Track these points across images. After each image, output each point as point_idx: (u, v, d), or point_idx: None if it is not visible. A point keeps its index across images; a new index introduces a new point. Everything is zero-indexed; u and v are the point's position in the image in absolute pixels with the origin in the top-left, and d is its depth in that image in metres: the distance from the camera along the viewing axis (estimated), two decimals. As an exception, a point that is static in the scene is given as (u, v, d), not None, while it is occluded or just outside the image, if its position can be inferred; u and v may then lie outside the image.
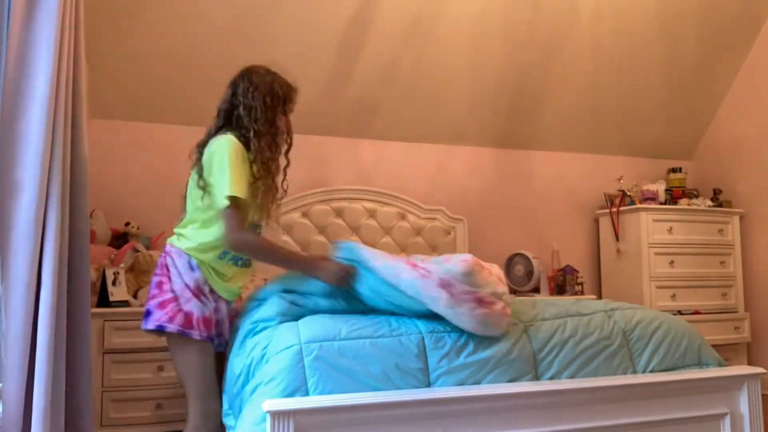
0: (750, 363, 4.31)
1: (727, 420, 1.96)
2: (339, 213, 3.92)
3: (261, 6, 3.46)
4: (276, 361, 1.74)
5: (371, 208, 3.99)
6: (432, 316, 1.91)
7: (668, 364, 2.05)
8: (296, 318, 2.00)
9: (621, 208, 4.36)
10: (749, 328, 4.35)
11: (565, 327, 2.01)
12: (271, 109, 2.10)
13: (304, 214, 3.84)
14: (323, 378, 1.70)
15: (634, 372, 2.00)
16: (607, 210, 4.45)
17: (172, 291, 2.02)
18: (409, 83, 3.99)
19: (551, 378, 1.90)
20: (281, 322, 1.97)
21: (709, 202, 4.46)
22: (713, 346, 2.26)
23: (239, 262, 2.13)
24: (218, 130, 2.12)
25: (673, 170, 4.61)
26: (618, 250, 4.37)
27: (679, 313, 4.03)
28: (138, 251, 3.38)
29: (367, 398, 1.65)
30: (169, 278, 2.04)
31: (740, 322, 4.33)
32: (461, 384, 1.80)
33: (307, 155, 4.03)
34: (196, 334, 2.03)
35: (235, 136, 2.05)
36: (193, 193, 2.08)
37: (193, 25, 3.44)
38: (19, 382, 1.87)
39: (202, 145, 2.11)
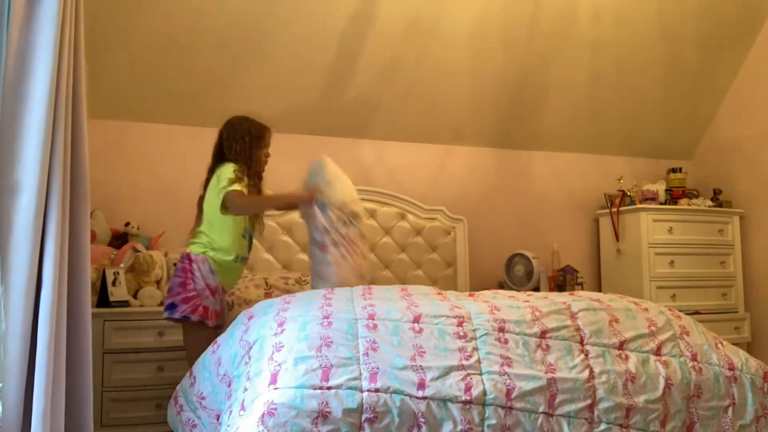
0: (750, 363, 4.31)
1: None
2: (339, 213, 3.92)
3: (261, 6, 3.46)
4: None
5: (371, 208, 3.99)
6: None
7: None
8: None
9: (621, 208, 4.36)
10: (749, 328, 4.35)
11: None
12: (249, 147, 2.78)
13: (304, 214, 3.84)
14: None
15: None
16: (607, 210, 4.45)
17: (195, 290, 2.63)
18: (409, 83, 3.99)
19: None
20: None
21: (709, 202, 4.46)
22: (713, 346, 2.27)
23: (241, 261, 2.79)
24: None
25: (673, 170, 4.61)
26: (618, 250, 4.37)
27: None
28: (138, 251, 3.38)
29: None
30: (193, 280, 2.63)
31: (740, 322, 4.33)
32: None
33: (307, 155, 4.01)
34: (210, 323, 2.67)
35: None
36: (211, 204, 2.69)
37: (193, 26, 3.44)
38: (19, 382, 1.87)
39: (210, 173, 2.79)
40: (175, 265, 2.78)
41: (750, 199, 4.48)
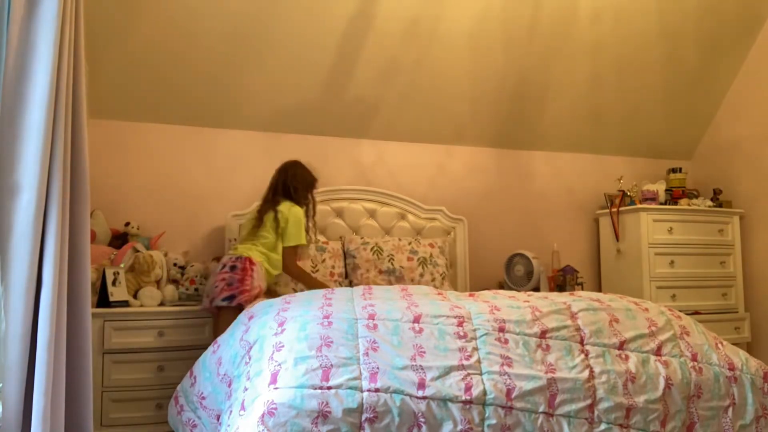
0: (750, 363, 4.30)
1: None
2: (339, 213, 3.92)
3: (260, 6, 3.46)
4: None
5: (371, 208, 3.99)
6: None
7: None
8: None
9: (621, 208, 4.36)
10: (749, 328, 4.35)
11: None
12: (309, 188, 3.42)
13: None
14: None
15: None
16: (607, 210, 4.45)
17: (252, 286, 3.05)
18: (409, 83, 3.99)
19: None
20: None
21: (709, 202, 4.46)
22: (713, 346, 2.27)
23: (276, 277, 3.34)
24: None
25: (673, 170, 4.61)
26: (618, 250, 4.37)
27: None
28: (138, 251, 3.38)
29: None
30: (252, 279, 3.06)
31: (740, 322, 4.33)
32: None
33: (307, 155, 4.02)
34: None
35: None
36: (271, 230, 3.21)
37: (193, 26, 3.44)
38: (19, 382, 1.87)
39: (270, 202, 3.29)
40: (232, 266, 3.10)
41: (750, 199, 4.48)
